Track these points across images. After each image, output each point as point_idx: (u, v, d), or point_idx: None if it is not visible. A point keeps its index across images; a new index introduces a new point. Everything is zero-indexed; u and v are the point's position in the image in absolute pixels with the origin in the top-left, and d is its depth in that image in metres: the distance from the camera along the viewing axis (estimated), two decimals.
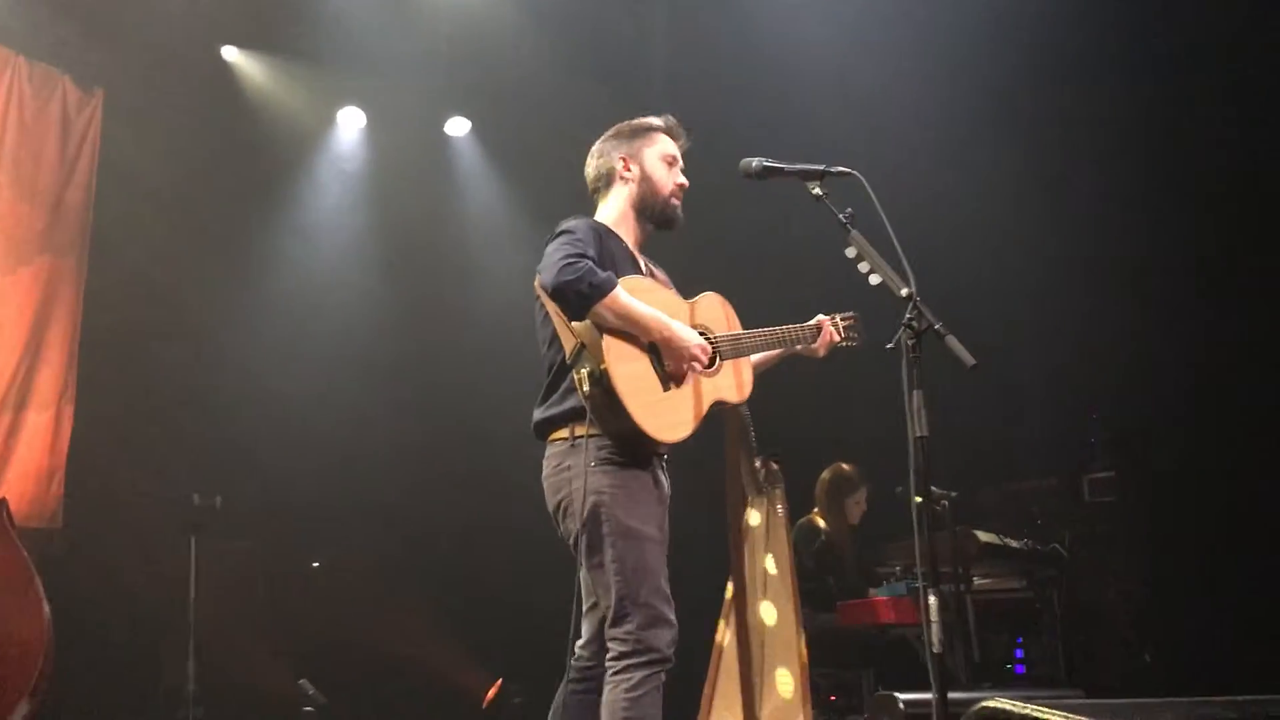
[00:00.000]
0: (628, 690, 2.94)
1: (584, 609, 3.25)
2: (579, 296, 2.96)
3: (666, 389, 3.09)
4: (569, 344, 3.09)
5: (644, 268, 3.32)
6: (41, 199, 6.40)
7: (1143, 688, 5.31)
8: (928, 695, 2.66)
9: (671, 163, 3.38)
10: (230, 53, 7.14)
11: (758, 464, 4.58)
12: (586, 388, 2.98)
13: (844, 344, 3.50)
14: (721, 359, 3.24)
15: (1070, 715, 1.88)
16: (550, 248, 3.08)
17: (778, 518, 4.61)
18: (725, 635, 4.17)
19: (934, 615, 2.63)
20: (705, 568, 4.87)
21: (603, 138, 3.44)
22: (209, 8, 6.63)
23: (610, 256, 3.16)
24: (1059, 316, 6.46)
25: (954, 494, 5.50)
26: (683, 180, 3.39)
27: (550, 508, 3.18)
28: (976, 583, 5.75)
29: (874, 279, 2.98)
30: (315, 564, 7.28)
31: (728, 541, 4.39)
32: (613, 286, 2.99)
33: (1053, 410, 6.53)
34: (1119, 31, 6.15)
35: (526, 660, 6.98)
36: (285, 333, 7.25)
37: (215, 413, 6.94)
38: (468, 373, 7.65)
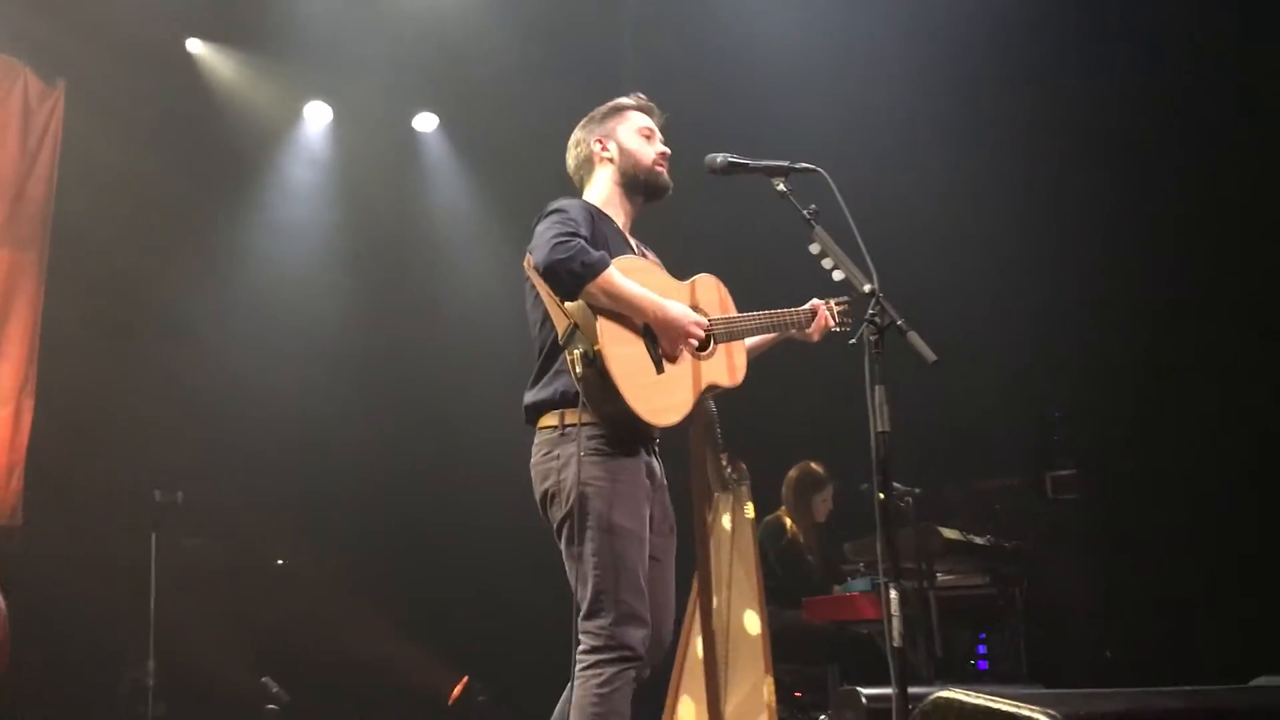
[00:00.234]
0: (598, 686, 2.93)
1: None
2: (571, 276, 2.92)
3: (661, 372, 3.05)
4: (561, 324, 3.04)
5: (636, 249, 3.29)
6: (1, 192, 6.32)
7: (1104, 684, 5.36)
8: (890, 690, 2.68)
9: (649, 135, 3.35)
10: (195, 45, 7.08)
11: (724, 460, 4.59)
12: (579, 369, 2.94)
13: (838, 328, 3.45)
14: (716, 342, 3.21)
15: (1020, 704, 1.89)
16: (541, 226, 3.04)
17: (744, 515, 4.62)
18: (690, 632, 4.18)
19: (895, 610, 2.65)
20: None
21: (576, 128, 3.43)
22: (174, 1, 6.58)
23: (603, 237, 3.13)
24: (1021, 315, 6.51)
25: (918, 490, 5.52)
26: (664, 149, 3.36)
27: (536, 495, 3.14)
28: (940, 579, 5.78)
29: (837, 275, 2.99)
30: (279, 561, 7.23)
31: (693, 538, 4.39)
32: (606, 266, 2.95)
33: (1015, 408, 6.59)
34: (1082, 34, 6.22)
35: (492, 658, 6.98)
36: (250, 327, 7.20)
37: (178, 408, 6.88)
38: (435, 368, 7.63)
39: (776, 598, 5.42)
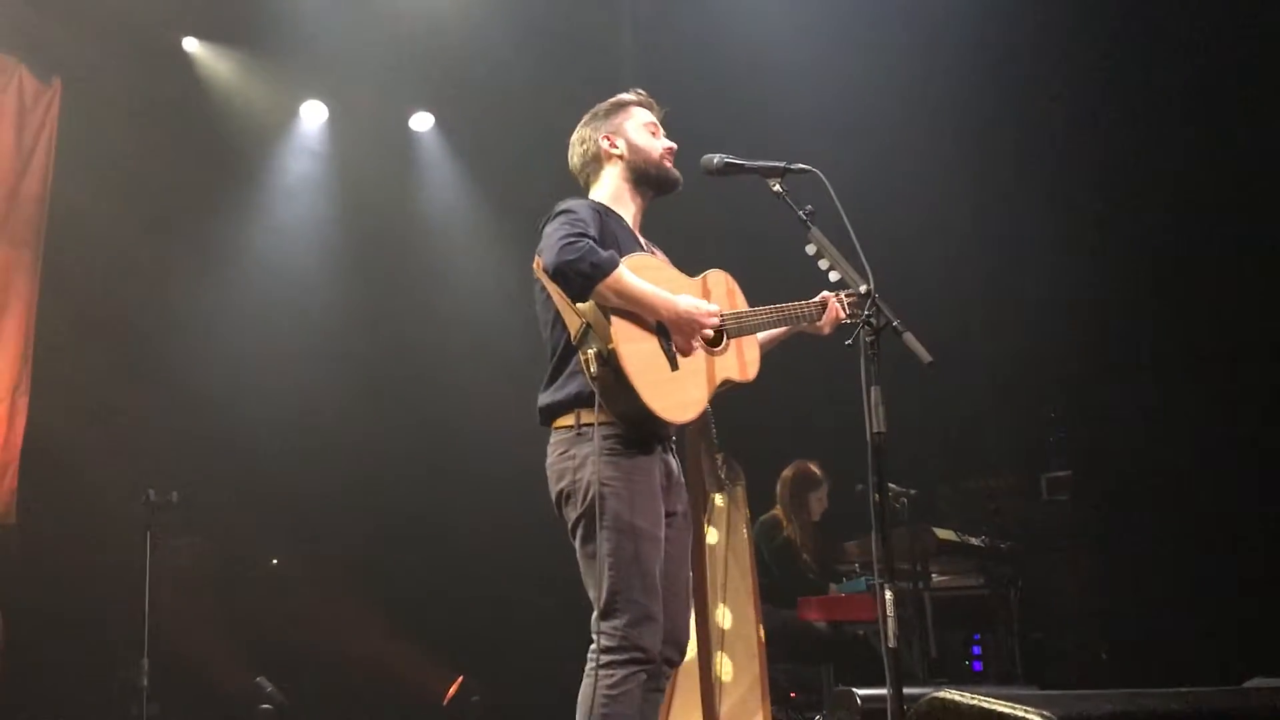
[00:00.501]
0: (608, 687, 2.92)
1: None
2: (581, 276, 2.91)
3: (675, 369, 3.04)
4: (573, 325, 3.02)
5: (645, 246, 3.27)
6: None
7: (1098, 685, 5.37)
8: (885, 690, 2.68)
9: (654, 130, 3.35)
10: (191, 44, 7.07)
11: (719, 460, 4.59)
12: (594, 369, 2.93)
13: (849, 319, 3.37)
14: (728, 337, 3.20)
15: (1014, 705, 1.90)
16: (549, 228, 3.02)
17: (739, 514, 4.62)
18: None
19: (890, 610, 2.65)
20: None
21: (579, 126, 3.41)
22: None
23: (612, 236, 3.12)
24: (1017, 316, 6.52)
25: (913, 491, 5.53)
26: (670, 144, 3.35)
27: (552, 495, 3.13)
28: (935, 580, 5.79)
29: (833, 275, 3.00)
30: (274, 561, 7.22)
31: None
32: (615, 265, 2.94)
33: (1010, 409, 6.60)
34: (1082, 36, 6.22)
35: (487, 658, 6.98)
36: (246, 327, 7.19)
37: (172, 407, 6.87)
38: (430, 367, 7.63)
39: (771, 597, 5.42)
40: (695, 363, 3.10)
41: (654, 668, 3.00)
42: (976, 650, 6.01)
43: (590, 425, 3.00)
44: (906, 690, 2.69)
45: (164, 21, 6.77)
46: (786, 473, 6.14)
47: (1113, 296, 6.17)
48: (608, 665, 2.94)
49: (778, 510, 6.08)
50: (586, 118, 3.39)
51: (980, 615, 5.94)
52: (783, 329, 3.39)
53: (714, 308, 3.12)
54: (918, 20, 6.41)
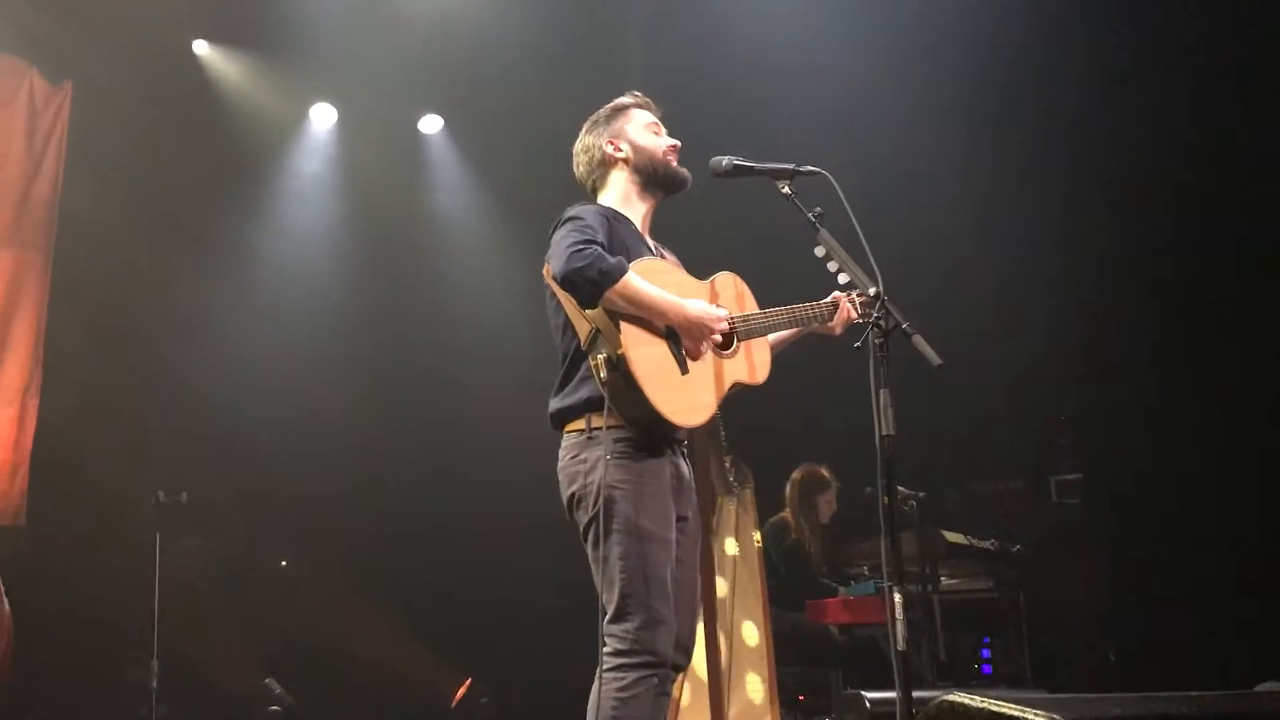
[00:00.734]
0: (619, 690, 2.92)
1: None
2: (589, 283, 2.91)
3: (685, 372, 3.04)
4: (583, 330, 3.03)
5: (655, 250, 3.27)
6: (7, 193, 6.34)
7: (1107, 688, 5.34)
8: (894, 694, 2.67)
9: (656, 130, 3.35)
10: (201, 47, 7.09)
11: (727, 463, 4.58)
12: (604, 373, 2.94)
13: (861, 319, 3.36)
14: (739, 340, 3.19)
15: (1025, 709, 1.89)
16: (557, 235, 3.03)
17: (747, 517, 4.62)
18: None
19: (899, 613, 2.64)
20: None
21: (581, 135, 3.41)
22: (180, 2, 6.59)
23: (621, 241, 3.11)
24: (1027, 318, 6.50)
25: (922, 494, 5.53)
26: (674, 141, 3.35)
27: (563, 498, 3.14)
28: (944, 582, 5.78)
29: (842, 278, 3.00)
30: (283, 563, 7.23)
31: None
32: (623, 271, 2.94)
33: (1020, 412, 6.58)
34: (1092, 37, 6.21)
35: (495, 660, 6.98)
36: (255, 329, 7.21)
37: (182, 409, 6.89)
38: (439, 369, 7.64)
39: (780, 600, 5.42)
40: (705, 366, 3.10)
41: (664, 671, 3.00)
42: (986, 653, 6.00)
43: (600, 429, 3.01)
44: (915, 693, 2.68)
45: (174, 24, 6.79)
46: (796, 475, 6.14)
47: (1122, 298, 6.15)
48: (618, 668, 2.94)
49: (786, 513, 6.08)
50: (587, 125, 3.39)
51: (990, 618, 5.94)
52: (793, 330, 3.38)
53: (723, 312, 3.12)
54: (926, 21, 6.40)
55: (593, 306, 2.98)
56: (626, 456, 3.01)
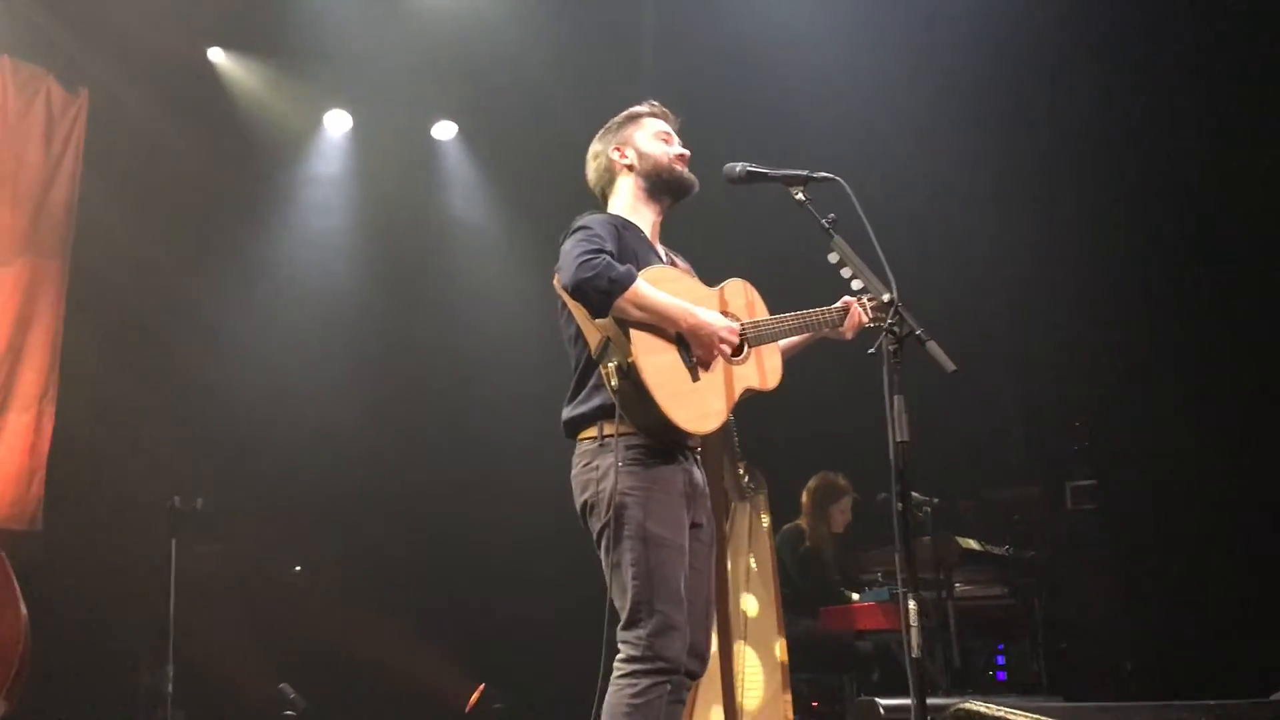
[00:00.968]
0: (632, 696, 2.92)
1: None
2: (599, 293, 2.93)
3: (696, 379, 3.05)
4: (594, 339, 3.05)
5: (664, 257, 3.28)
6: (24, 200, 6.37)
7: (1123, 696, 5.33)
8: (908, 701, 2.67)
9: (666, 138, 3.36)
10: (216, 54, 7.13)
11: (741, 469, 4.58)
12: (615, 381, 2.96)
13: (872, 324, 3.36)
14: (749, 346, 3.20)
15: (1040, 717, 1.89)
16: (566, 245, 3.04)
17: (760, 524, 4.61)
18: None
19: (913, 620, 2.64)
20: None
21: (594, 141, 3.44)
22: (195, 10, 6.63)
23: (629, 249, 3.13)
24: (1041, 324, 6.49)
25: (936, 500, 5.52)
26: (683, 150, 3.36)
27: (576, 506, 3.16)
28: (958, 589, 5.77)
29: (856, 284, 3.00)
30: (297, 568, 7.25)
31: None
32: (633, 280, 2.96)
33: (1035, 418, 6.56)
34: (1107, 41, 6.19)
35: (509, 666, 6.98)
36: (270, 335, 7.23)
37: (197, 415, 6.92)
38: (453, 376, 7.65)
39: (793, 606, 5.42)
40: (716, 373, 3.10)
41: (677, 678, 3.00)
42: (1000, 660, 5.98)
43: (612, 437, 3.02)
44: (930, 700, 2.68)
45: (190, 33, 6.83)
46: (811, 483, 6.14)
47: (1138, 303, 6.13)
48: (631, 675, 2.94)
49: (801, 520, 6.08)
50: (600, 132, 3.42)
51: (1004, 625, 5.92)
52: (804, 335, 3.38)
53: (734, 324, 3.13)
54: (940, 27, 6.39)
55: (603, 315, 2.99)
56: (638, 463, 3.03)
